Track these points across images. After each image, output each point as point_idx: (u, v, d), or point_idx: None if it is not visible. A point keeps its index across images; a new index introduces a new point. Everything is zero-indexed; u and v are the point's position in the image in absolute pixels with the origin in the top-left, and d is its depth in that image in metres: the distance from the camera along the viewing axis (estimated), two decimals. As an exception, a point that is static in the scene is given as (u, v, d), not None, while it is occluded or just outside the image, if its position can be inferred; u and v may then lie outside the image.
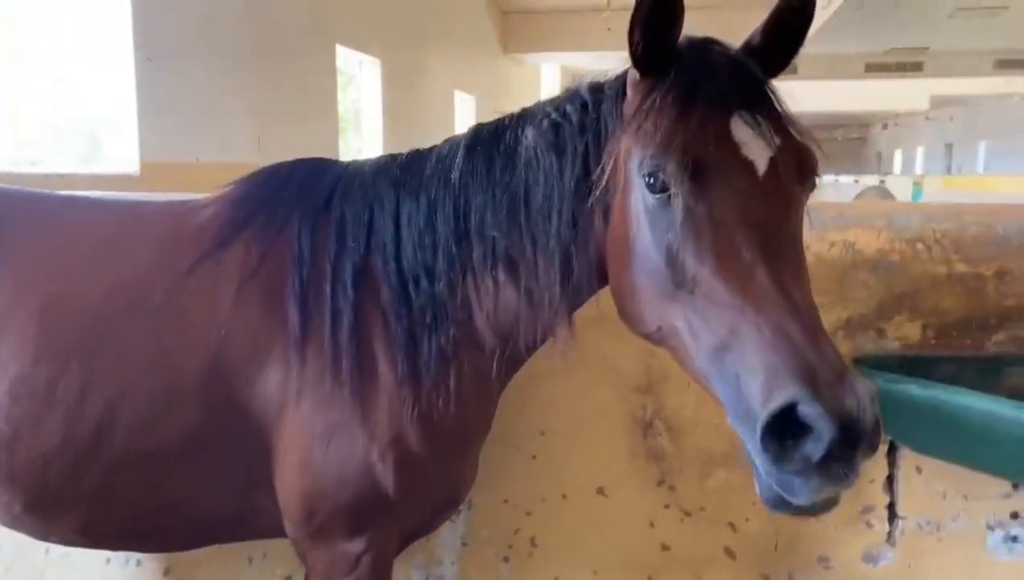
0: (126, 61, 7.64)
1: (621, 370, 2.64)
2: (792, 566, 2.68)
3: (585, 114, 1.70)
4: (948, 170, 33.80)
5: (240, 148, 8.51)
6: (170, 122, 7.97)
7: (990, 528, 2.54)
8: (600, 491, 2.69)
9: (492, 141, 1.81)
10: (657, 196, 1.46)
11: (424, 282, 1.79)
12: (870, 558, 2.65)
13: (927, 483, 2.55)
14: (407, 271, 1.80)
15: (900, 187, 20.26)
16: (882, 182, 21.26)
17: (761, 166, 1.45)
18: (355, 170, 1.95)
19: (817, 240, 2.54)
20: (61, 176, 7.18)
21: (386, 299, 1.80)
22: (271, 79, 9.24)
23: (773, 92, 1.54)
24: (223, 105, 8.52)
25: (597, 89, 1.73)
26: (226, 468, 1.85)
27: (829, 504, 1.35)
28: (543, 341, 1.87)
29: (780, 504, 1.36)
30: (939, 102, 28.38)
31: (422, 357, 1.78)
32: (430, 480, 1.87)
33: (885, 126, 44.41)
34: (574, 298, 1.75)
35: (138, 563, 2.68)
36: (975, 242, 2.50)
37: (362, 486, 1.79)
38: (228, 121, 8.58)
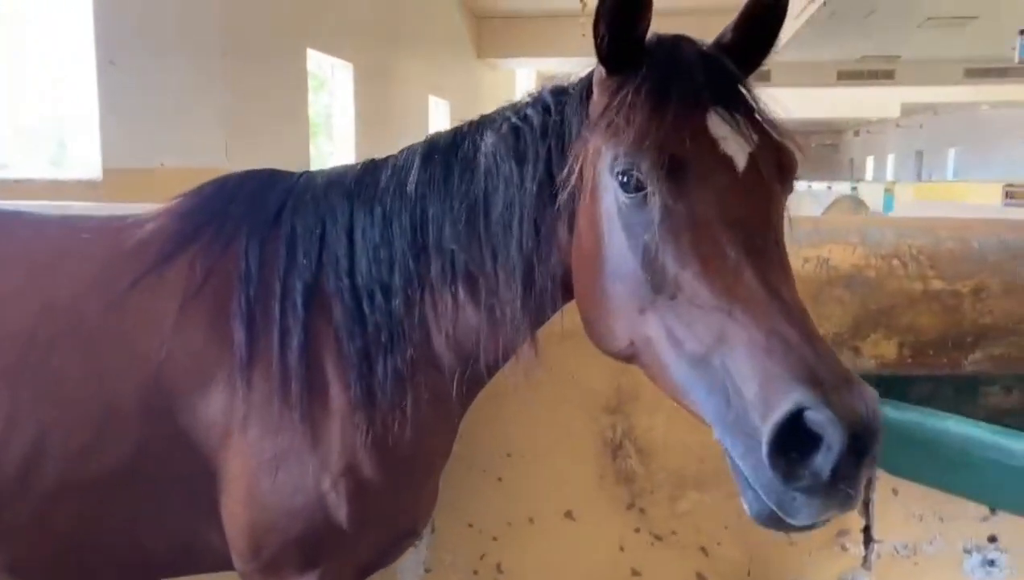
0: (87, 63, 7.47)
1: (590, 389, 2.57)
2: (766, 591, 2.61)
3: (547, 116, 1.64)
4: (918, 177, 34.30)
5: (207, 154, 8.36)
6: (134, 127, 7.80)
7: (967, 552, 2.48)
8: (568, 515, 2.62)
9: (449, 149, 1.75)
10: (632, 196, 1.40)
11: (379, 299, 1.72)
12: (845, 583, 2.58)
13: (903, 505, 2.49)
14: (361, 287, 1.73)
15: (872, 193, 20.47)
16: (854, 189, 21.49)
17: (741, 162, 1.39)
18: (307, 182, 1.87)
19: (791, 255, 2.46)
20: (18, 181, 7.00)
21: (339, 318, 1.72)
22: (239, 83, 9.10)
23: (749, 89, 1.49)
24: (189, 109, 8.37)
25: (560, 91, 1.67)
26: (168, 499, 1.76)
27: (824, 521, 1.25)
28: (505, 360, 1.79)
29: (773, 521, 1.26)
30: (910, 110, 28.77)
31: (377, 379, 1.70)
32: (387, 510, 1.79)
33: (857, 133, 44.94)
34: (538, 313, 1.69)
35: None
36: (951, 258, 2.44)
37: (313, 517, 1.70)
38: (194, 126, 8.42)
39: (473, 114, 1.82)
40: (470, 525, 2.62)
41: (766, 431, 1.18)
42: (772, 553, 2.57)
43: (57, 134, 9.85)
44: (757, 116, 1.46)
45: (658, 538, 2.61)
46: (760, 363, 1.22)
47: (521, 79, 25.01)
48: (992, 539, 2.48)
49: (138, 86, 7.77)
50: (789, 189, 1.48)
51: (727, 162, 1.39)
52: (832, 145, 47.80)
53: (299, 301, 1.72)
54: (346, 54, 12.30)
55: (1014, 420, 2.45)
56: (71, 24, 7.53)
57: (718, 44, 1.53)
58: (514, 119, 1.69)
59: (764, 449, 1.18)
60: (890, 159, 40.77)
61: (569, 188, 1.52)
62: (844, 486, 1.17)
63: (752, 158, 1.40)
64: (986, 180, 20.88)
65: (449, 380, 1.77)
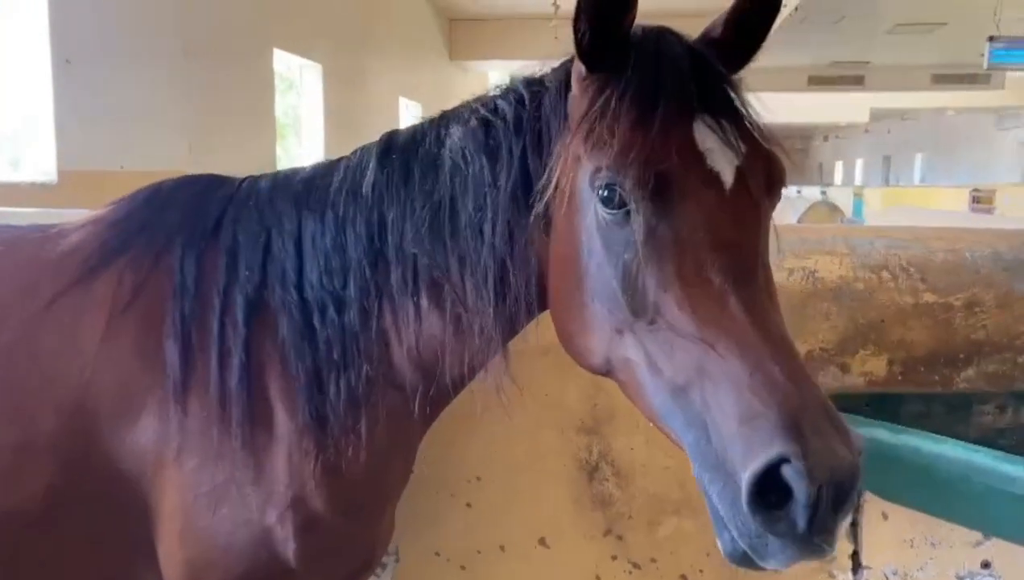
0: (42, 62, 7.22)
1: (564, 408, 2.47)
2: (749, 621, 2.49)
3: (522, 110, 1.54)
4: (886, 181, 34.76)
5: (169, 156, 8.14)
6: (91, 128, 7.54)
7: (960, 578, 2.36)
8: (542, 542, 2.51)
9: (409, 146, 1.64)
10: (613, 212, 1.32)
11: (331, 313, 1.61)
12: (833, 611, 2.46)
13: (893, 530, 2.38)
14: (311, 301, 1.61)
15: (841, 198, 20.63)
16: (824, 193, 21.64)
17: (728, 178, 1.32)
18: (250, 188, 1.75)
19: (775, 267, 2.34)
20: (-34, 184, 6.74)
21: (285, 334, 1.60)
22: (203, 82, 8.88)
23: (737, 92, 1.41)
24: (150, 110, 8.13)
25: (535, 82, 1.58)
26: (96, 537, 1.63)
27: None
28: (472, 375, 1.69)
29: (746, 562, 1.23)
30: (878, 115, 29.10)
31: (328, 400, 1.59)
32: (340, 544, 1.68)
33: (826, 138, 45.51)
34: (511, 323, 1.59)
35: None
36: (943, 270, 2.34)
37: (257, 555, 1.59)
38: (155, 127, 8.19)
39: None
40: (437, 553, 2.51)
41: (745, 478, 1.14)
42: (756, 581, 2.45)
43: (17, 135, 9.55)
44: (745, 122, 1.39)
45: (636, 566, 2.50)
46: (743, 403, 1.17)
47: (493, 81, 24.81)
48: (985, 565, 2.38)
49: (96, 85, 7.52)
50: (776, 200, 1.41)
51: (714, 178, 1.32)
52: (802, 150, 48.39)
53: (240, 317, 1.60)
54: (315, 55, 12.15)
55: (1008, 440, 2.37)
56: (25, 21, 7.26)
57: (705, 39, 1.45)
58: (483, 112, 1.58)
59: (743, 496, 1.14)
60: (859, 164, 41.31)
61: (547, 196, 1.43)
62: (819, 540, 1.14)
63: (739, 172, 1.33)
64: (952, 185, 21.16)
65: (411, 398, 1.66)
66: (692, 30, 1.47)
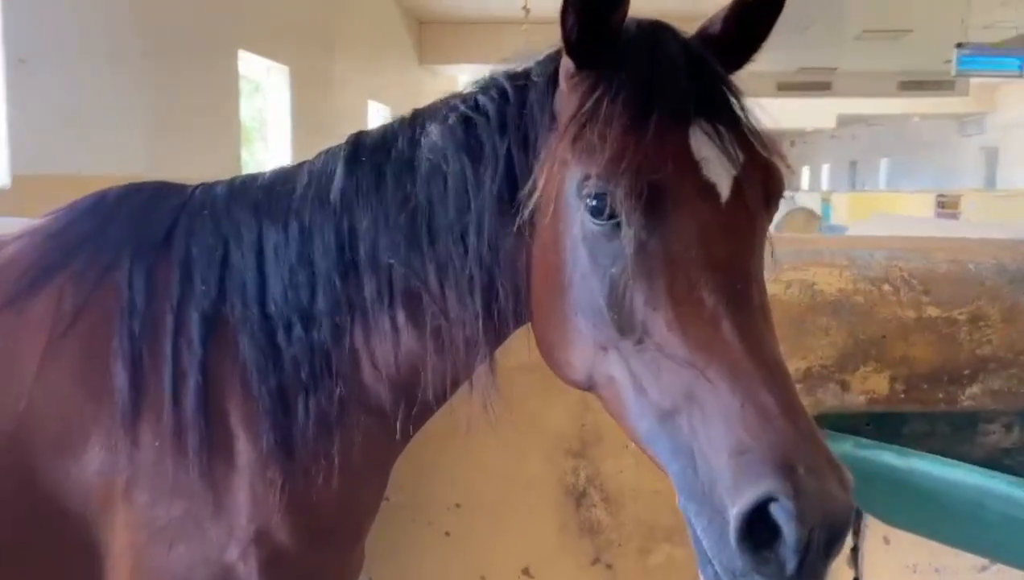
0: (-6, 61, 6.94)
1: (550, 429, 2.34)
2: (746, 654, 2.37)
3: (505, 106, 1.46)
4: (852, 186, 35.21)
5: (129, 160, 7.91)
6: (47, 131, 7.25)
7: (965, 605, 2.26)
8: (526, 572, 2.39)
9: (379, 148, 1.55)
10: (601, 223, 1.25)
11: (298, 330, 1.51)
12: (832, 641, 2.36)
13: (896, 555, 2.27)
14: (275, 317, 1.51)
15: (809, 203, 20.80)
16: (792, 198, 21.81)
17: (724, 190, 1.25)
18: (204, 195, 1.64)
19: (771, 280, 2.23)
20: (-87, 189, 6.45)
21: (246, 354, 1.50)
22: (165, 84, 8.66)
23: (735, 93, 1.34)
24: (109, 112, 7.88)
25: (519, 76, 1.49)
26: None
27: None
28: (455, 389, 1.61)
29: None
30: (845, 121, 29.47)
31: (296, 425, 1.49)
32: (307, 579, 1.57)
33: (793, 143, 45.93)
34: (498, 334, 1.52)
35: None
36: (947, 282, 2.25)
37: None
38: (115, 130, 7.95)
39: (415, 120, 1.56)
40: (414, 586, 2.37)
41: (734, 515, 1.09)
42: (753, 611, 2.33)
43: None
44: (743, 128, 1.32)
45: (627, 597, 2.37)
46: (733, 434, 1.12)
47: (464, 86, 24.80)
48: (991, 591, 2.28)
49: (52, 86, 7.24)
50: (773, 213, 1.35)
51: (709, 190, 1.25)
52: (768, 155, 48.76)
53: (196, 337, 1.49)
54: (282, 57, 12.00)
55: (1014, 460, 2.27)
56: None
57: (703, 36, 1.38)
58: (463, 108, 1.49)
59: (731, 534, 1.10)
60: (825, 169, 41.84)
61: (533, 203, 1.35)
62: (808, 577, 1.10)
63: (736, 183, 1.26)
64: (917, 189, 21.47)
65: (389, 418, 1.57)
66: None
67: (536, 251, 1.39)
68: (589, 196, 1.25)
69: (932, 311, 2.23)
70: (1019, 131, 24.07)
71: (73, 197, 1.70)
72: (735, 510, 1.09)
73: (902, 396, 2.26)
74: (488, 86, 1.50)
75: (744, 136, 1.31)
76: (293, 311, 1.52)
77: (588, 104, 1.28)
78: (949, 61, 13.06)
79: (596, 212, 1.24)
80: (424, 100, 1.64)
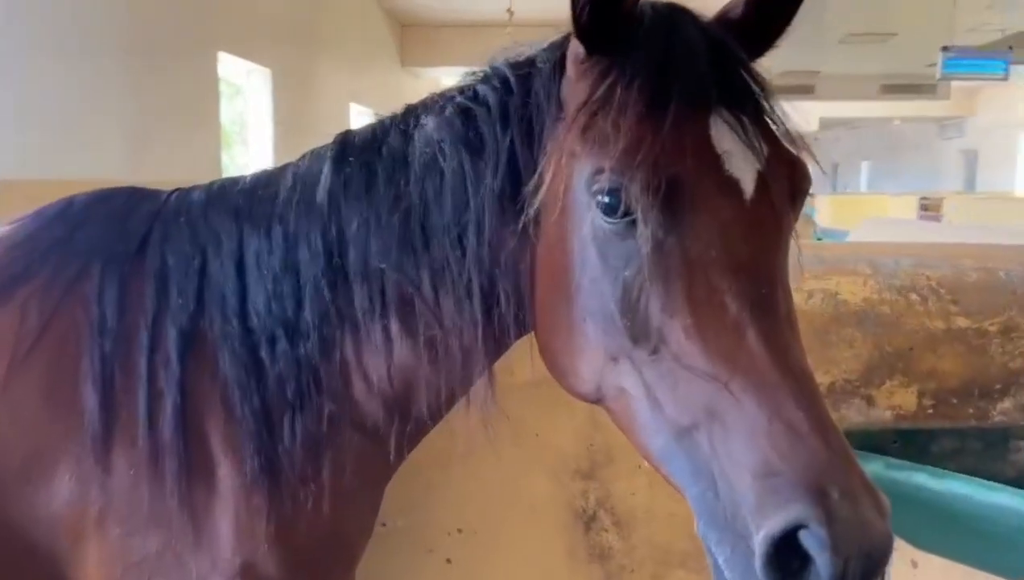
0: (-36, 62, 6.76)
1: (557, 449, 2.26)
2: None
3: (508, 95, 1.37)
4: (834, 189, 35.44)
5: (107, 164, 7.73)
6: (19, 134, 7.05)
7: (997, 632, 2.16)
8: None
9: (370, 145, 1.46)
10: (613, 222, 1.16)
11: (283, 344, 1.42)
12: (857, 671, 2.25)
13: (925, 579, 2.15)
14: (258, 331, 1.43)
15: (794, 206, 20.81)
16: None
17: (748, 186, 1.17)
18: (180, 201, 1.55)
19: (793, 290, 2.12)
20: None
21: (227, 372, 1.41)
22: (143, 86, 8.48)
23: (758, 81, 1.24)
24: (86, 115, 7.68)
25: (523, 64, 1.40)
26: None
27: None
28: (451, 404, 1.51)
29: None
30: (827, 124, 29.64)
31: (282, 447, 1.41)
32: None
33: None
34: (498, 343, 1.43)
35: None
36: (976, 291, 2.15)
37: None
38: (92, 133, 7.75)
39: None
40: (413, 618, 2.27)
41: (760, 540, 1.01)
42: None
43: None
44: (767, 119, 1.23)
45: (640, 626, 2.27)
46: (759, 454, 1.04)
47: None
48: (1025, 617, 2.18)
49: (24, 88, 7.04)
50: (799, 211, 1.26)
51: (732, 186, 1.17)
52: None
53: (174, 354, 1.41)
54: (263, 59, 11.86)
55: (1048, 478, 2.17)
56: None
57: (722, 21, 1.29)
58: (461, 99, 1.40)
59: (757, 561, 1.01)
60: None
61: (538, 198, 1.27)
62: None
63: (761, 179, 1.18)
64: (898, 192, 21.60)
65: (384, 438, 1.48)
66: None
67: (541, 252, 1.30)
68: (601, 192, 1.16)
69: (961, 322, 2.14)
70: (998, 134, 24.34)
71: (44, 203, 1.59)
72: (762, 534, 1.00)
73: (930, 412, 2.17)
74: (489, 75, 1.41)
75: (768, 128, 1.23)
76: (277, 324, 1.43)
77: (600, 91, 1.20)
78: (933, 64, 13.09)
79: (608, 209, 1.16)
80: (406, 102, 1.53)
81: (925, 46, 14.05)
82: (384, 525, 2.10)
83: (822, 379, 2.14)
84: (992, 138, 25.05)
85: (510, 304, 1.37)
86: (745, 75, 1.23)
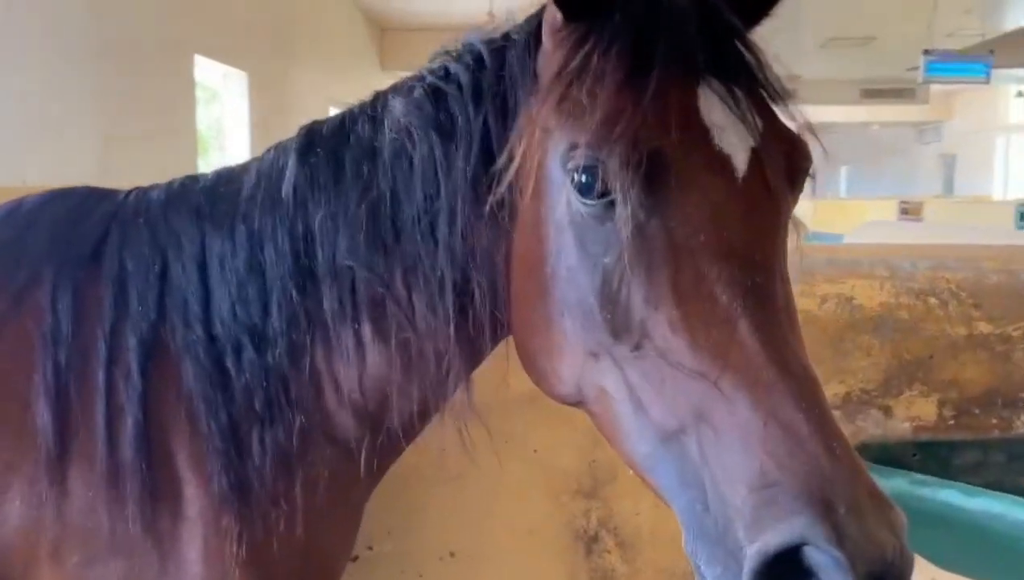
0: (-71, 63, 6.58)
1: (556, 467, 2.17)
2: None
3: (481, 73, 1.30)
4: (813, 193, 35.82)
5: (78, 168, 7.55)
6: (-12, 136, 6.89)
7: (1023, 655, 2.06)
8: None
9: (337, 133, 1.40)
10: (591, 203, 1.08)
11: (249, 352, 1.35)
12: None
13: (945, 601, 2.05)
14: (223, 339, 1.36)
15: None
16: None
17: (740, 163, 1.09)
18: (137, 201, 1.48)
19: (805, 294, 2.01)
20: None
21: (191, 384, 1.35)
22: (116, 90, 8.34)
23: (752, 49, 1.16)
24: (57, 118, 7.53)
25: (497, 38, 1.33)
26: None
27: None
28: (427, 417, 1.44)
29: None
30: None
31: (251, 464, 1.34)
32: None
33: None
34: (475, 347, 1.37)
35: None
36: (999, 295, 2.07)
37: None
38: (63, 137, 7.61)
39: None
40: (403, 649, 2.16)
41: (750, 557, 0.91)
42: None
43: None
44: (762, 90, 1.15)
45: (645, 654, 2.18)
46: (755, 462, 0.95)
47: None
48: (1052, 639, 2.09)
49: (-7, 90, 6.87)
50: (799, 193, 1.18)
51: (722, 163, 1.09)
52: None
53: (134, 366, 1.34)
54: (240, 62, 11.80)
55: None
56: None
57: None
58: (432, 79, 1.34)
59: (744, 577, 0.92)
60: (785, 176, 42.59)
61: (508, 179, 1.20)
62: None
63: (755, 156, 1.10)
64: (877, 196, 21.82)
65: (356, 453, 1.41)
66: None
67: (516, 240, 1.24)
68: (576, 169, 1.09)
69: (984, 327, 2.06)
70: (976, 138, 24.66)
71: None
72: (754, 548, 0.91)
73: (951, 422, 2.10)
74: (461, 53, 1.35)
75: (764, 102, 1.15)
76: (243, 330, 1.36)
77: (575, 60, 1.13)
78: (914, 69, 13.19)
79: (585, 188, 1.08)
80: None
81: (904, 51, 14.16)
82: (370, 549, 2.00)
83: (837, 389, 2.05)
84: (970, 142, 25.40)
85: (485, 300, 1.29)
86: (738, 42, 1.15)
